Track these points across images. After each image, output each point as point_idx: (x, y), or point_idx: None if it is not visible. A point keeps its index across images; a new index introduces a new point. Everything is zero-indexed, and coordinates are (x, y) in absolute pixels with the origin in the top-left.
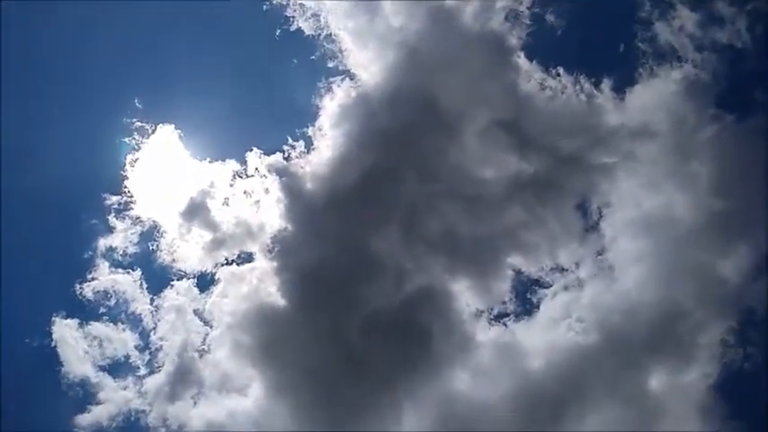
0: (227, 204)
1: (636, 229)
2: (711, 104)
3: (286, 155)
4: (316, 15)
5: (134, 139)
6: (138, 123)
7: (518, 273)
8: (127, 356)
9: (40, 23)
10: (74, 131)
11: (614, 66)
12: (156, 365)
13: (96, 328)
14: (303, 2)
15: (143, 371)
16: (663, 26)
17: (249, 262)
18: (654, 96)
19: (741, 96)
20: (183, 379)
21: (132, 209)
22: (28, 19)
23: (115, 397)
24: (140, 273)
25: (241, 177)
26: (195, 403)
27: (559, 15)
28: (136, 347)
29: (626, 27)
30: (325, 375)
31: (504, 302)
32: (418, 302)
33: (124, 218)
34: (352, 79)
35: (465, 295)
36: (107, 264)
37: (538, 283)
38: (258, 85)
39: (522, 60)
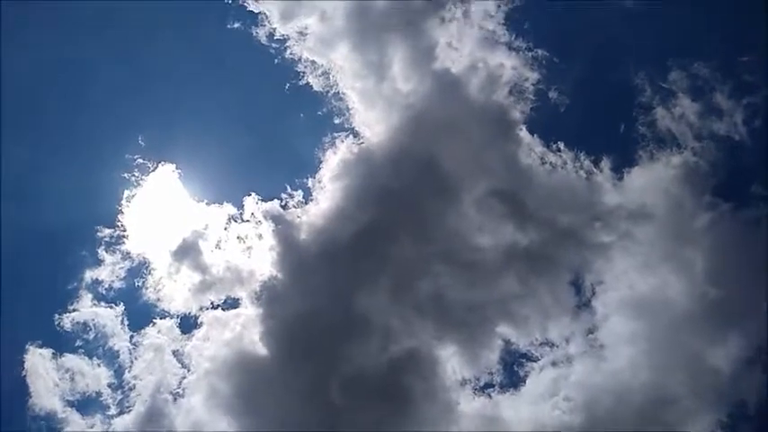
0: (220, 247)
1: (628, 309)
2: (708, 192)
3: (283, 203)
4: (326, 73)
5: (134, 175)
6: (140, 160)
7: (507, 343)
8: (98, 393)
9: (48, 48)
10: (74, 162)
11: (615, 146)
12: (127, 405)
13: (71, 360)
14: (315, 59)
15: (113, 410)
16: (664, 112)
17: (235, 308)
18: (652, 179)
19: (738, 186)
20: (154, 421)
21: (124, 243)
22: (34, 42)
23: None
24: (123, 308)
25: (236, 221)
26: None
27: (563, 93)
28: (109, 385)
29: (628, 110)
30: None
31: (490, 373)
32: (403, 365)
33: (114, 251)
34: (356, 136)
35: (451, 362)
36: (90, 296)
37: (526, 357)
38: (263, 133)
39: (523, 133)
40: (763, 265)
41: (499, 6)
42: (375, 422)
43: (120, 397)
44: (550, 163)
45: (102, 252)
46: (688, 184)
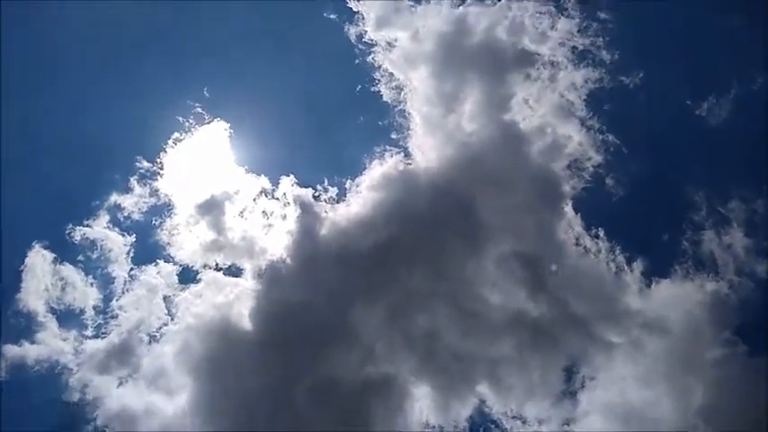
0: (243, 215)
1: (612, 414)
2: (730, 329)
3: (317, 194)
4: (399, 88)
5: (188, 121)
6: (199, 110)
7: (482, 403)
8: (81, 311)
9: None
10: (140, 91)
11: (653, 252)
12: (104, 332)
13: (68, 271)
14: (394, 72)
15: (89, 331)
16: (712, 236)
17: (236, 276)
18: (680, 297)
19: (760, 333)
20: (122, 357)
21: (157, 180)
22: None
23: (51, 343)
24: (134, 239)
25: (266, 196)
26: (121, 384)
27: (620, 184)
28: (94, 307)
29: (678, 221)
30: (253, 417)
31: (456, 427)
32: (375, 389)
33: (145, 185)
34: (406, 156)
35: (422, 403)
36: (108, 218)
37: (495, 424)
38: (320, 124)
39: (568, 209)
40: (763, 417)
41: (586, 81)
42: (328, 429)
43: (99, 321)
44: (585, 247)
45: (133, 181)
46: (713, 314)
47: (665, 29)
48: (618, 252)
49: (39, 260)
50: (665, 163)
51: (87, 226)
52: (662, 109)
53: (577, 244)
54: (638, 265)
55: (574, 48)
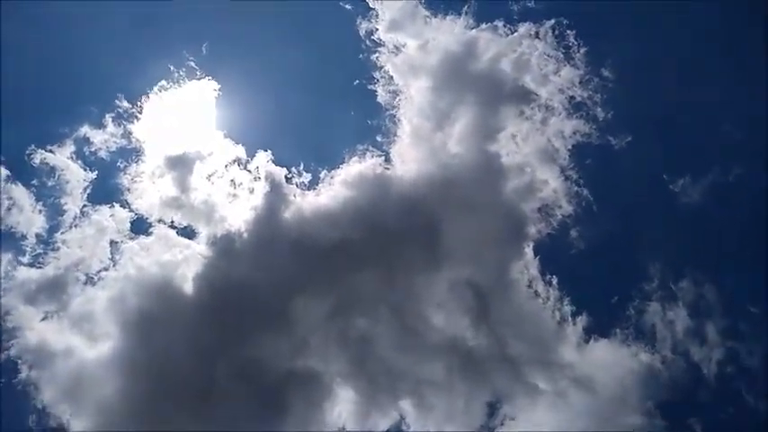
0: (210, 179)
1: None
2: (654, 402)
3: (290, 176)
4: (395, 93)
5: (179, 72)
6: (192, 64)
7: (401, 419)
8: (23, 236)
9: None
10: (140, 30)
11: (598, 311)
12: (40, 262)
13: (19, 192)
14: (394, 76)
15: (26, 258)
16: (658, 309)
17: (189, 238)
18: (613, 360)
19: (684, 414)
20: (53, 292)
21: (132, 123)
22: None
23: None
24: (94, 176)
25: (239, 166)
26: (45, 318)
27: (582, 239)
28: (37, 235)
29: (628, 287)
30: (169, 381)
31: None
32: (298, 381)
33: (119, 125)
34: (386, 161)
35: (342, 406)
36: (73, 148)
37: None
38: (309, 107)
39: (528, 250)
40: None
41: (575, 132)
42: (242, 410)
43: (39, 251)
44: (536, 290)
45: (108, 118)
46: (641, 384)
47: (663, 100)
48: (566, 303)
49: None
50: (630, 228)
51: (50, 151)
52: (639, 176)
53: (529, 286)
54: (581, 320)
55: (571, 97)
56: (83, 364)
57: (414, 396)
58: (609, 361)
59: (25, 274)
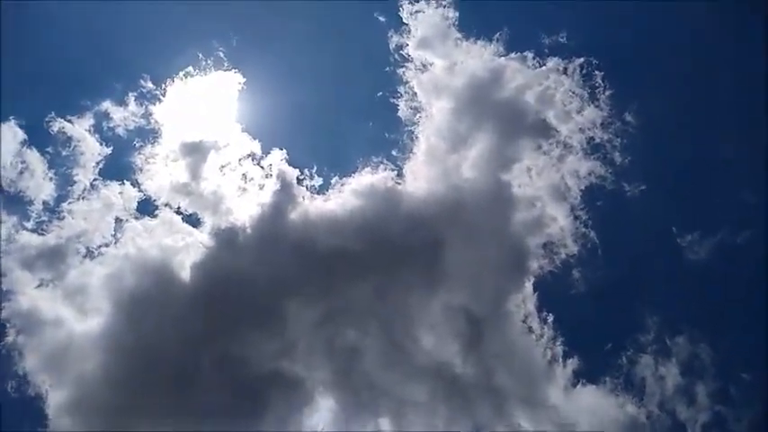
0: (222, 171)
1: None
2: None
3: (301, 178)
4: (416, 110)
5: (206, 61)
6: (221, 54)
7: None
8: (31, 201)
9: None
10: (174, 14)
11: (590, 357)
12: (43, 229)
13: (33, 157)
14: (418, 92)
15: (30, 223)
16: (650, 362)
17: (194, 226)
18: (598, 410)
19: None
20: (51, 260)
21: (153, 105)
22: None
23: None
24: (109, 152)
25: (253, 161)
26: (40, 286)
27: (584, 281)
28: (44, 202)
29: (622, 336)
30: (152, 364)
31: None
32: (280, 383)
33: (141, 105)
34: (398, 176)
35: (321, 415)
36: (92, 122)
37: None
38: (329, 112)
39: (527, 285)
40: None
41: (590, 174)
42: (220, 402)
43: (44, 218)
44: (530, 326)
45: (131, 97)
46: None
47: (682, 154)
48: (558, 343)
49: (9, 134)
50: (633, 277)
51: (69, 121)
52: (648, 226)
53: (524, 321)
54: (572, 363)
55: (591, 138)
56: (70, 336)
57: (394, 415)
58: (594, 408)
59: (27, 239)
